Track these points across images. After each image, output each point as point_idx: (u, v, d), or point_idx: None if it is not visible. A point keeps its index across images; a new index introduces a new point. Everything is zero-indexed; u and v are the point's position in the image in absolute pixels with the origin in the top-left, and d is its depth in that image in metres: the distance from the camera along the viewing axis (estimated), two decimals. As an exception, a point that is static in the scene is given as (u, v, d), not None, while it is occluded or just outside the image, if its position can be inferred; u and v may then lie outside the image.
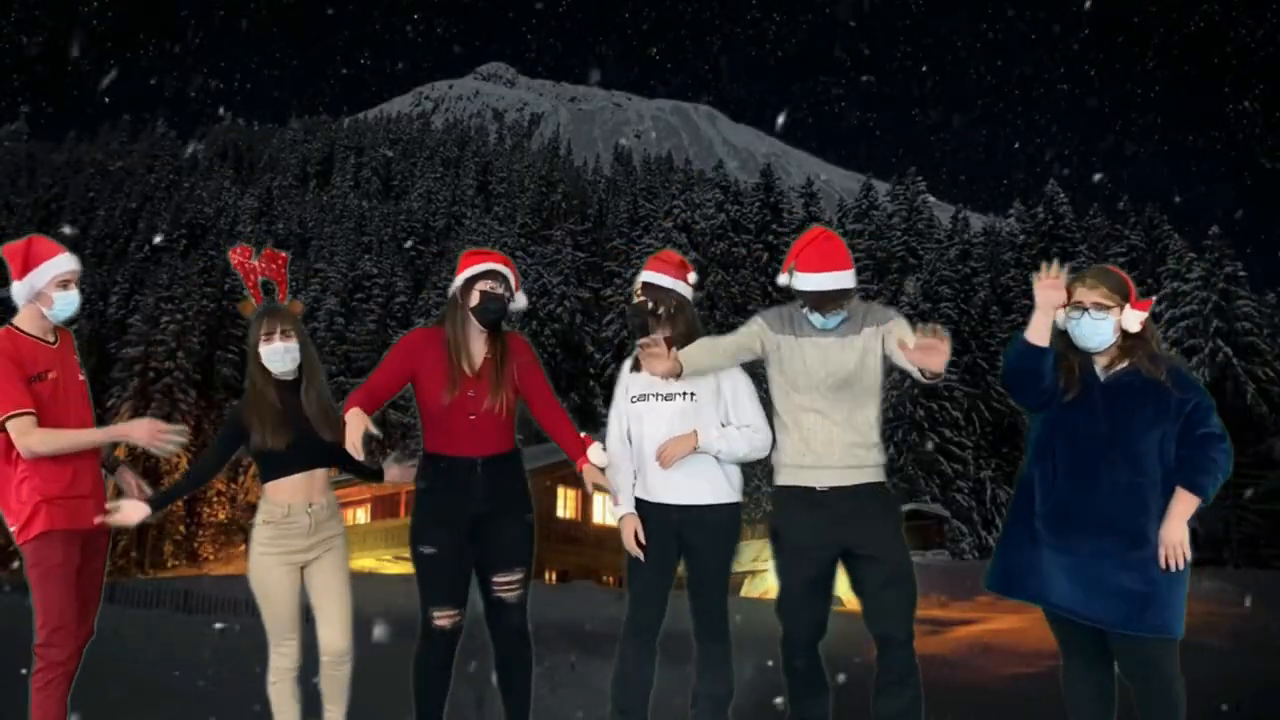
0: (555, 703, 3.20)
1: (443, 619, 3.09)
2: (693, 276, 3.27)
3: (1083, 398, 2.86)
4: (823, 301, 2.99)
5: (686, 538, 3.12)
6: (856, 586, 3.03)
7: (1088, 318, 2.84)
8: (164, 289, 56.46)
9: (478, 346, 3.17)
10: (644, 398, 3.18)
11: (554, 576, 29.70)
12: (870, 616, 3.01)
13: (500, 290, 3.15)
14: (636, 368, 3.22)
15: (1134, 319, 2.81)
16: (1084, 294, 2.85)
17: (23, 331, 3.09)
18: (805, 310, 3.04)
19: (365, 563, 29.78)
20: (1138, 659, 2.79)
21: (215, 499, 49.24)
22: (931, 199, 59.88)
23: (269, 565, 3.17)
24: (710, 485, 3.13)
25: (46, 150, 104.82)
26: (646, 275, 3.22)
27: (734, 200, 52.92)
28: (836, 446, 3.01)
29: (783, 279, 3.06)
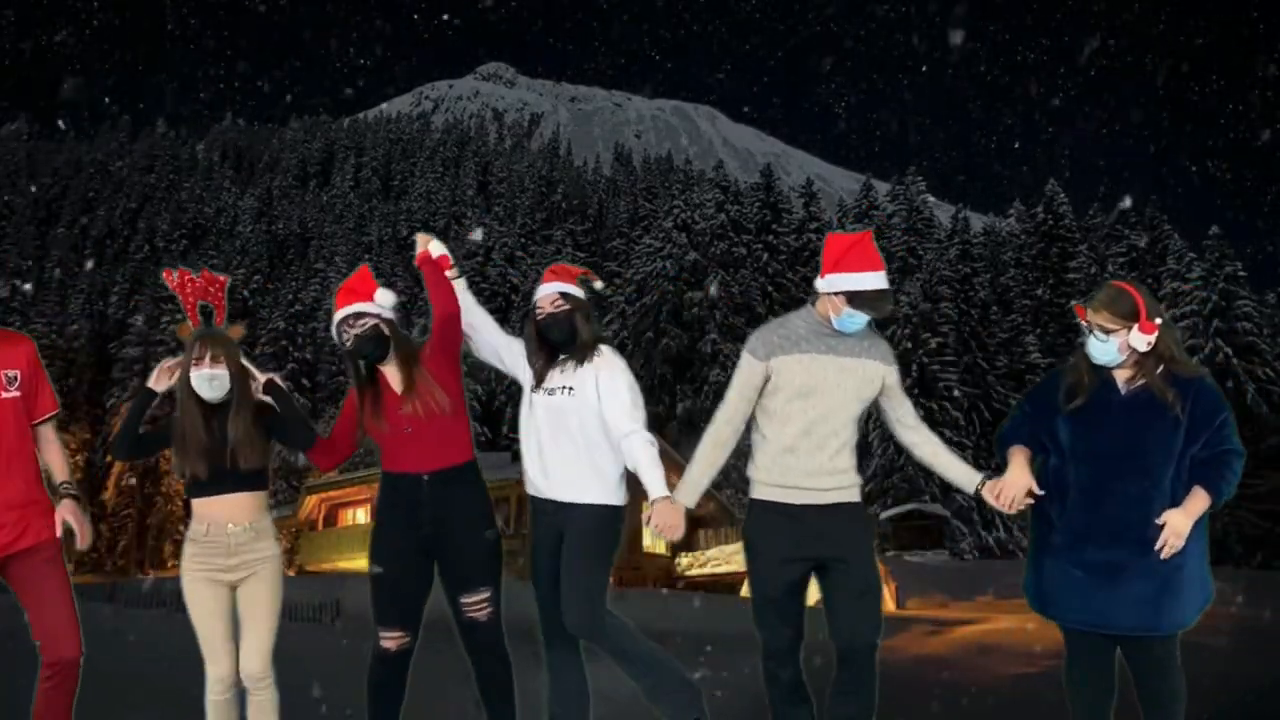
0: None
1: (389, 640, 3.09)
2: (598, 284, 3.33)
3: (1100, 412, 2.94)
4: (871, 300, 3.01)
5: (564, 535, 3.11)
6: (827, 596, 3.04)
7: (1093, 339, 2.93)
8: (164, 289, 56.33)
9: (385, 370, 3.17)
10: (535, 389, 3.20)
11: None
12: (836, 624, 3.02)
13: (355, 331, 3.12)
14: (543, 367, 3.21)
15: (1141, 340, 2.87)
16: (1091, 316, 2.94)
17: None
18: (844, 311, 3.02)
19: (366, 563, 29.66)
20: (1147, 658, 2.89)
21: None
22: (931, 199, 59.86)
23: (192, 582, 3.18)
24: (584, 483, 3.11)
25: (46, 150, 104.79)
26: (560, 287, 3.22)
27: (734, 200, 52.86)
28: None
29: (820, 284, 3.05)
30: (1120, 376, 2.95)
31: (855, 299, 3.00)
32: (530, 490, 3.20)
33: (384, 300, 3.18)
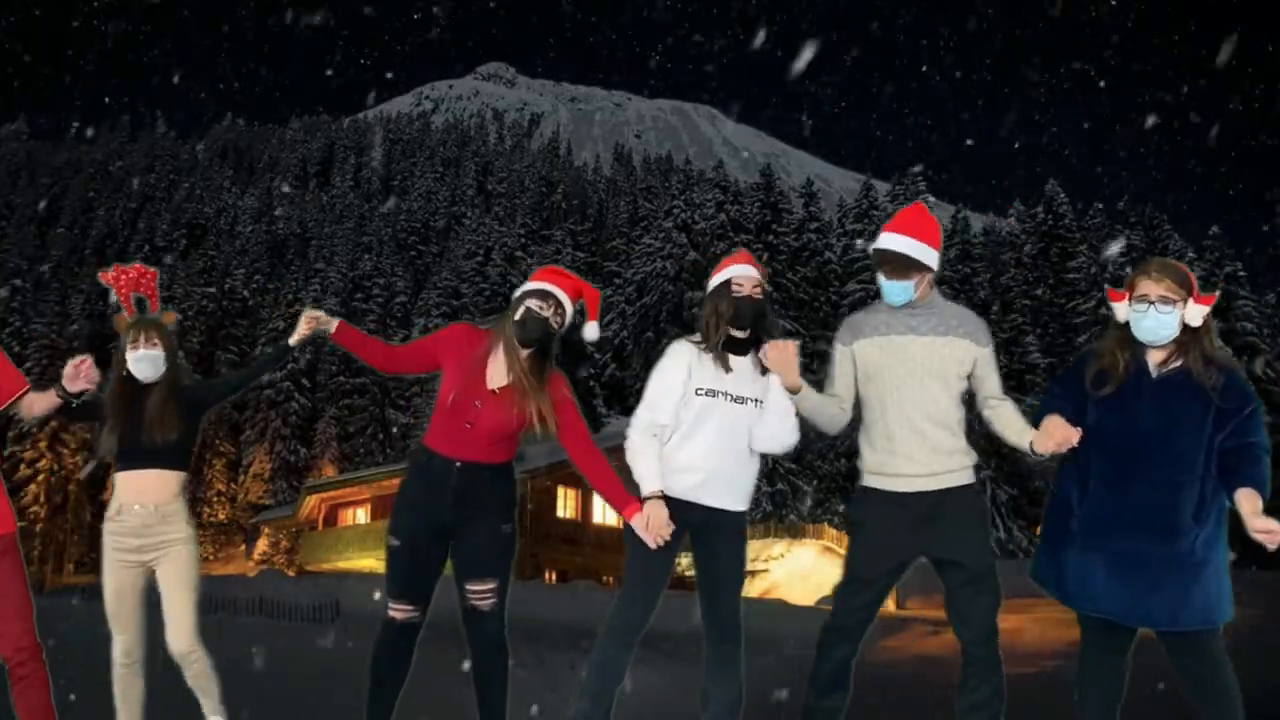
0: (555, 702, 3.19)
1: (396, 611, 3.11)
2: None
3: (1131, 395, 2.78)
4: (886, 264, 2.95)
5: (704, 540, 3.08)
6: (944, 585, 3.00)
7: (1154, 311, 2.75)
8: (164, 289, 56.33)
9: (511, 364, 3.08)
10: (712, 394, 3.01)
11: (554, 577, 29.65)
12: (951, 614, 2.99)
13: (545, 313, 3.06)
14: (724, 363, 3.04)
15: (1197, 314, 2.73)
16: (1149, 287, 2.76)
17: None
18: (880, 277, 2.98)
19: (366, 563, 29.73)
20: (1194, 654, 2.75)
21: (215, 499, 49.21)
22: (931, 199, 59.84)
23: (107, 561, 3.34)
24: (741, 492, 3.10)
25: (46, 150, 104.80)
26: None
27: (734, 200, 52.84)
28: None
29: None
30: (1153, 359, 2.79)
31: (880, 260, 2.96)
32: (665, 489, 3.14)
33: (590, 332, 3.18)
